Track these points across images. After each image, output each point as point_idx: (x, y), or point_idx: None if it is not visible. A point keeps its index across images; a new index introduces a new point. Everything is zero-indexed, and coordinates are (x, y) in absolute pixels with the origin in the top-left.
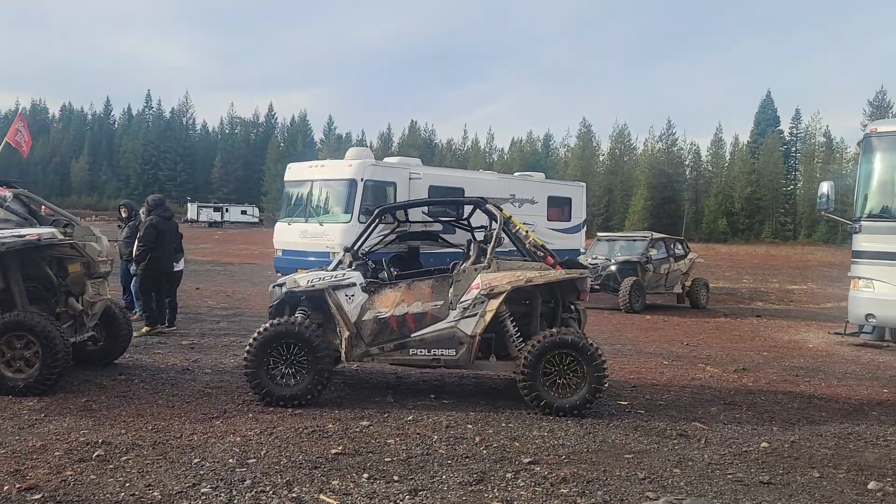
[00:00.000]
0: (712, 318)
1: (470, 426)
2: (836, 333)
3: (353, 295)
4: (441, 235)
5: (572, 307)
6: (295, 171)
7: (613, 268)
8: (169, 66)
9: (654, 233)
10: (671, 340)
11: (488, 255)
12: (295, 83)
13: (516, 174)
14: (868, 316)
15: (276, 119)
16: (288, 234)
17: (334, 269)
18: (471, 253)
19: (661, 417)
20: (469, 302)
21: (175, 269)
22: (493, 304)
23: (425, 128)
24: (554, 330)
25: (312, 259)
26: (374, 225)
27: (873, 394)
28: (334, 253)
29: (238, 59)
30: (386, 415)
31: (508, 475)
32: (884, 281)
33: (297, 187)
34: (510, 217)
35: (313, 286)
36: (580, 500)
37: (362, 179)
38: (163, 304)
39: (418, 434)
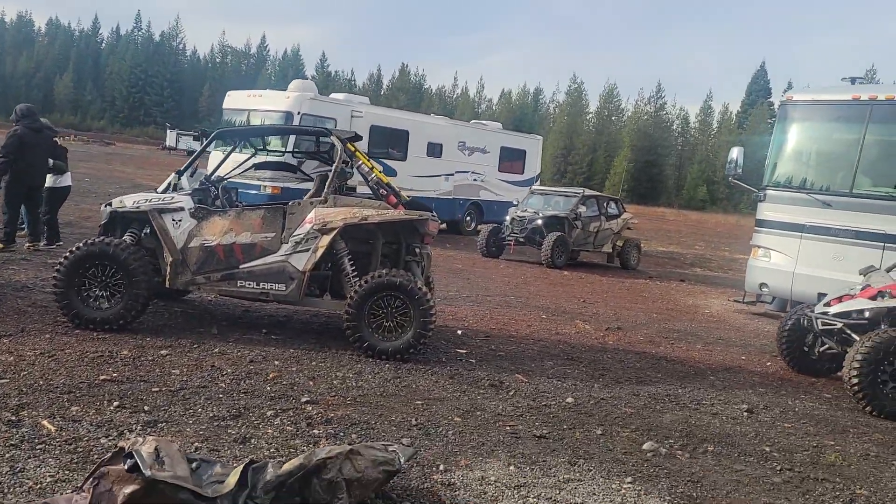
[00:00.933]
0: (632, 280)
1: (277, 362)
2: (735, 301)
3: (180, 220)
4: (301, 169)
5: (417, 250)
6: (233, 99)
7: (539, 222)
8: None
9: (586, 189)
10: (571, 297)
11: (325, 189)
12: (291, 16)
13: (471, 122)
14: (762, 285)
15: (269, 51)
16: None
17: (163, 192)
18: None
19: (487, 368)
20: (301, 236)
21: (56, 185)
22: (325, 240)
23: (416, 72)
24: (384, 271)
25: (242, 191)
26: (208, 148)
27: (728, 359)
28: (264, 186)
29: None
30: (197, 345)
31: (269, 412)
32: (781, 251)
33: (235, 116)
34: (356, 151)
35: (138, 207)
36: (325, 441)
37: (299, 113)
38: (36, 220)
39: (212, 367)
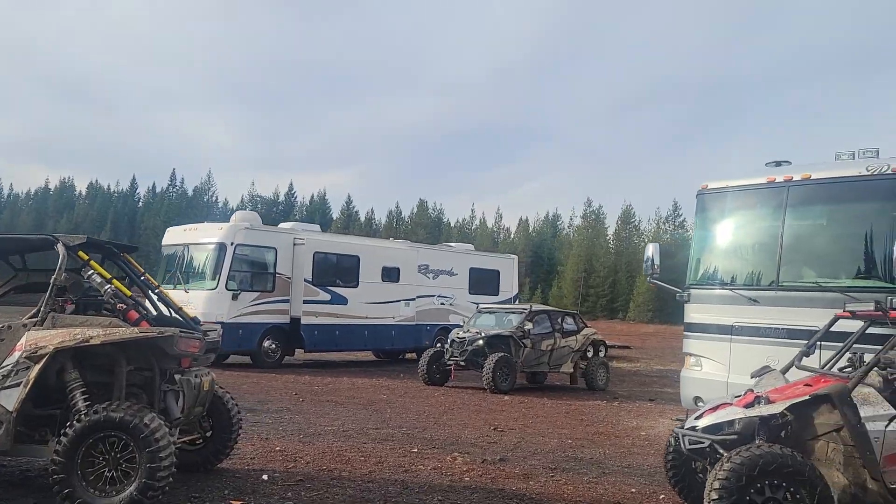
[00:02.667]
0: (590, 401)
1: None
2: (676, 420)
3: None
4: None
5: (176, 377)
6: (171, 235)
7: (481, 342)
8: (193, 144)
9: (534, 304)
10: (486, 425)
11: (40, 308)
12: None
13: (440, 245)
14: (696, 399)
15: (296, 197)
16: None
17: None
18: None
19: None
20: (9, 367)
21: None
22: (35, 371)
23: (434, 207)
24: (103, 405)
25: None
26: None
27: (611, 493)
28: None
29: (265, 138)
30: None
31: None
32: (712, 358)
33: (171, 251)
34: (88, 259)
35: None
36: None
37: (232, 243)
38: None
39: None
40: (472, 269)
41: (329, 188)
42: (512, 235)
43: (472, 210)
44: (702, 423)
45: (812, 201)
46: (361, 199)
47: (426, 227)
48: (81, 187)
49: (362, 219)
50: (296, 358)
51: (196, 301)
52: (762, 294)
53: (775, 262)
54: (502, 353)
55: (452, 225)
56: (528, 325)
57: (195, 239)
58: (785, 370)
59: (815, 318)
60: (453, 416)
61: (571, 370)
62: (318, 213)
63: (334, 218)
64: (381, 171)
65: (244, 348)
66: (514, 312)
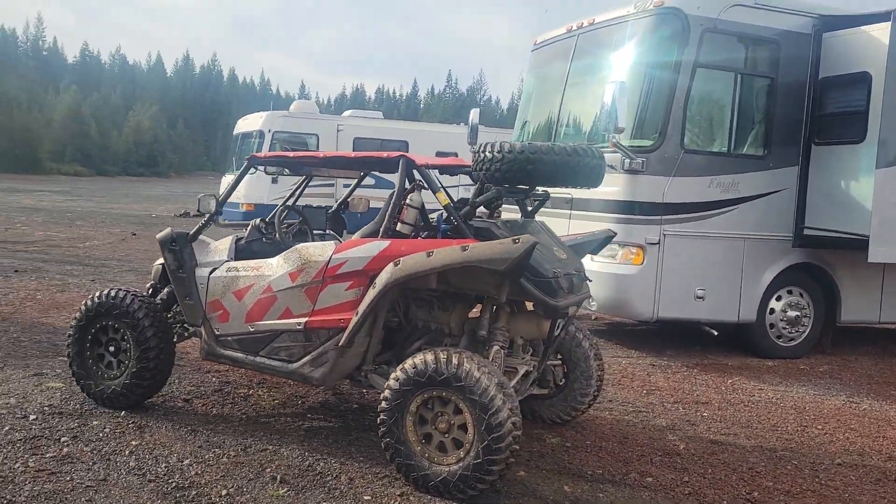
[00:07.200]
0: None
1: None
2: None
3: None
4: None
5: None
6: (238, 125)
7: None
8: (469, 44)
9: None
10: None
11: None
12: None
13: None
14: None
15: None
16: (224, 186)
17: None
18: None
19: None
20: None
21: None
22: None
23: None
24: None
25: (231, 210)
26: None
27: None
28: (242, 204)
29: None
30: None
31: None
32: None
33: (234, 140)
34: None
35: None
36: None
37: (269, 130)
38: None
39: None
40: None
41: None
42: None
43: None
44: None
45: (593, 51)
46: None
47: None
48: (370, 93)
49: None
50: None
51: (241, 185)
52: None
53: (553, 124)
54: None
55: None
56: None
57: (245, 128)
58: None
59: None
60: None
61: None
62: None
63: None
64: None
65: None
66: None
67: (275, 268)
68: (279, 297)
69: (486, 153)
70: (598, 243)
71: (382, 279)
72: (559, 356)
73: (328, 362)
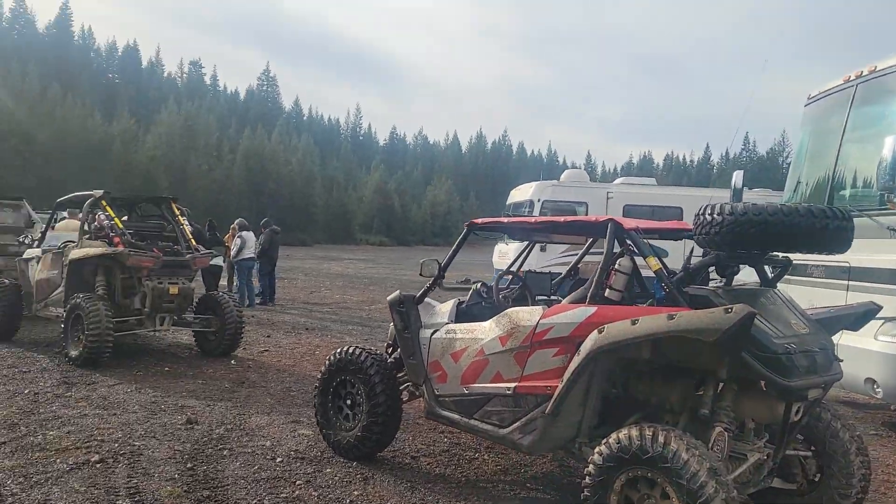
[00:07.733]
0: None
1: None
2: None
3: None
4: None
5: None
6: (511, 195)
7: None
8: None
9: None
10: None
11: None
12: None
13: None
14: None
15: None
16: (497, 254)
17: None
18: None
19: None
20: None
21: None
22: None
23: None
24: None
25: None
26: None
27: None
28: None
29: None
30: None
31: None
32: None
33: (507, 210)
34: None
35: None
36: None
37: (539, 199)
38: None
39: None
40: None
41: None
42: None
43: None
44: None
45: (878, 100)
46: None
47: None
48: (658, 159)
49: None
50: None
51: (509, 252)
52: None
53: (828, 182)
54: None
55: None
56: None
57: (517, 198)
58: None
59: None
60: None
61: None
62: None
63: None
64: None
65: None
66: None
67: (487, 331)
68: (490, 361)
69: (706, 216)
70: (856, 317)
71: (587, 346)
72: (812, 447)
73: (537, 430)
